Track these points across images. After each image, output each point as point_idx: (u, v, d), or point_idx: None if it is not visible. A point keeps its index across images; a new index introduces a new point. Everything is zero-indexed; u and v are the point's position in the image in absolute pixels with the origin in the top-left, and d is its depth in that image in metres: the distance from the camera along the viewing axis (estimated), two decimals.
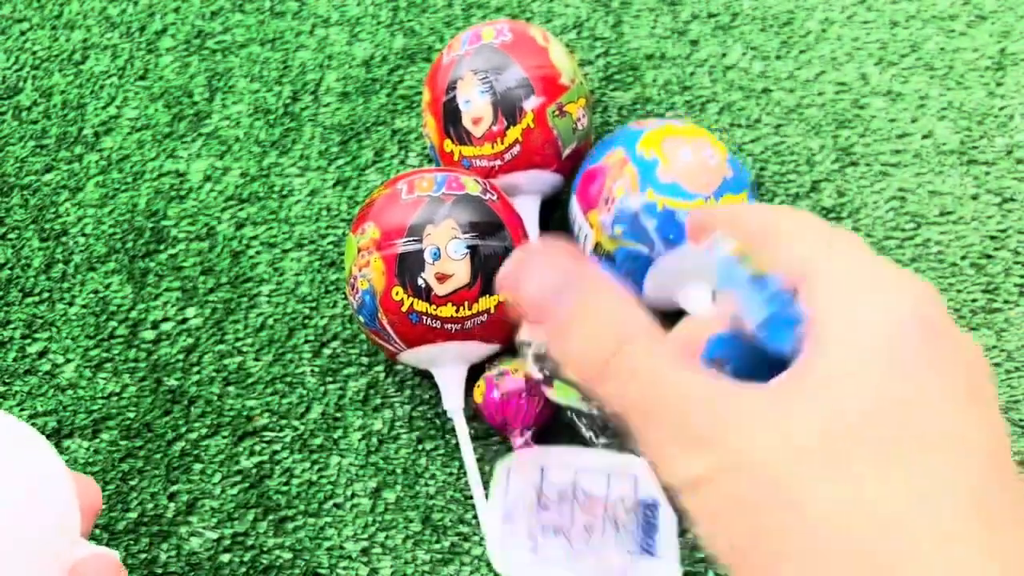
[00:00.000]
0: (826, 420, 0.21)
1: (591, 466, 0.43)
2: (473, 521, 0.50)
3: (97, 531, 0.50)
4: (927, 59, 0.63)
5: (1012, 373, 0.53)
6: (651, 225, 0.49)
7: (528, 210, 0.55)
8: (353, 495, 0.51)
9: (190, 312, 0.57)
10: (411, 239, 0.47)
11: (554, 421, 0.52)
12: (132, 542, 0.50)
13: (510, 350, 0.52)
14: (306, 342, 0.55)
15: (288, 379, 0.54)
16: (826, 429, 0.21)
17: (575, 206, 0.53)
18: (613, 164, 0.50)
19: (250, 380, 0.54)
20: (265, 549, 0.50)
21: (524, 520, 0.43)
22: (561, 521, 0.42)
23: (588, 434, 0.49)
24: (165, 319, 0.57)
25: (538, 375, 0.49)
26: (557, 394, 0.49)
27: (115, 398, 0.54)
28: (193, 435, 0.53)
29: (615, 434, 0.49)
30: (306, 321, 0.56)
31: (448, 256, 0.47)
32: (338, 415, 0.53)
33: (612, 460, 0.41)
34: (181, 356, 0.55)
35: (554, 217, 0.58)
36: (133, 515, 0.51)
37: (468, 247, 0.47)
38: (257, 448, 0.52)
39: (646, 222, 0.48)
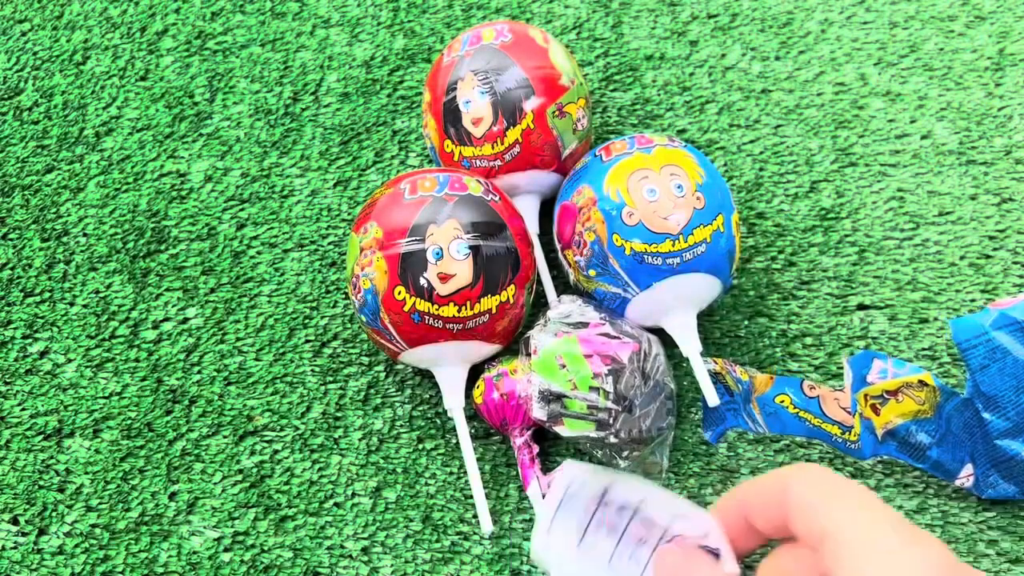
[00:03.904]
0: None
1: (660, 501, 0.41)
2: (473, 520, 0.50)
3: (97, 531, 0.50)
4: (926, 59, 0.64)
5: None
6: (622, 270, 0.49)
7: (528, 210, 0.55)
8: (353, 494, 0.51)
9: (191, 312, 0.57)
10: (414, 239, 0.47)
11: None
12: (133, 541, 0.50)
13: (511, 350, 0.52)
14: (306, 342, 0.56)
15: (289, 379, 0.54)
16: None
17: (555, 237, 0.53)
18: (583, 204, 0.50)
19: (251, 380, 0.54)
20: (266, 548, 0.50)
21: (579, 510, 0.41)
22: (617, 522, 0.41)
23: (605, 459, 0.50)
24: (166, 319, 0.57)
25: (543, 416, 0.49)
26: (570, 428, 0.49)
27: (116, 398, 0.54)
28: (194, 435, 0.53)
29: (634, 454, 0.49)
30: (307, 321, 0.56)
31: (450, 256, 0.47)
32: (338, 415, 0.53)
33: (684, 507, 0.40)
34: (182, 356, 0.55)
35: (553, 218, 0.58)
36: (134, 514, 0.51)
37: (470, 247, 0.48)
38: (258, 448, 0.52)
39: (617, 267, 0.49)
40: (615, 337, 0.49)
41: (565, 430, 0.48)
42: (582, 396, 0.48)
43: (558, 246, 0.53)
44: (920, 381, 0.47)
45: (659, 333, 0.52)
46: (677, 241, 0.48)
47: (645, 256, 0.48)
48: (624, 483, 0.41)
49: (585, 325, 0.49)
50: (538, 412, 0.48)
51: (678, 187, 0.49)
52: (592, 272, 0.50)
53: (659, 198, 0.49)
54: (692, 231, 0.48)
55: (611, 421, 0.48)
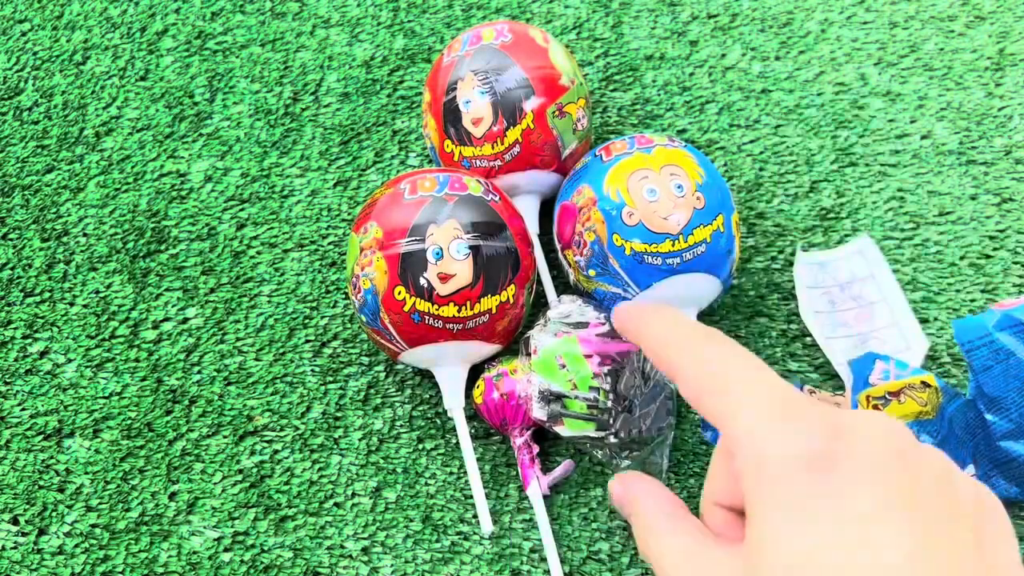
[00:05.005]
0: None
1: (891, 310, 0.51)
2: (473, 520, 0.50)
3: (97, 531, 0.50)
4: (926, 59, 0.64)
5: None
6: (622, 270, 0.49)
7: (528, 210, 0.55)
8: (353, 494, 0.51)
9: (191, 312, 0.57)
10: (414, 239, 0.47)
11: None
12: (133, 541, 0.50)
13: (511, 350, 0.52)
14: (306, 342, 0.55)
15: (288, 379, 0.54)
16: None
17: (555, 237, 0.53)
18: (583, 204, 0.50)
19: (251, 380, 0.54)
20: (265, 548, 0.50)
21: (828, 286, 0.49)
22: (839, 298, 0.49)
23: (605, 459, 0.50)
24: (166, 319, 0.57)
25: (543, 416, 0.49)
26: (569, 428, 0.49)
27: (116, 398, 0.54)
28: (194, 435, 0.53)
29: (634, 453, 0.49)
30: (307, 321, 0.56)
31: (450, 256, 0.47)
32: (338, 415, 0.53)
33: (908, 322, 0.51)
34: (182, 356, 0.55)
35: (553, 218, 0.58)
36: (134, 514, 0.51)
37: (470, 247, 0.48)
38: (258, 448, 0.52)
39: (617, 267, 0.49)
40: (615, 337, 0.49)
41: (565, 430, 0.48)
42: (582, 396, 0.48)
43: (558, 246, 0.53)
44: (923, 382, 0.47)
45: None
46: (677, 241, 0.48)
47: (645, 256, 0.48)
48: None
49: (585, 325, 0.50)
50: (538, 412, 0.48)
51: (678, 187, 0.49)
52: (592, 272, 0.50)
53: (659, 198, 0.49)
54: (692, 231, 0.48)
55: (611, 421, 0.48)
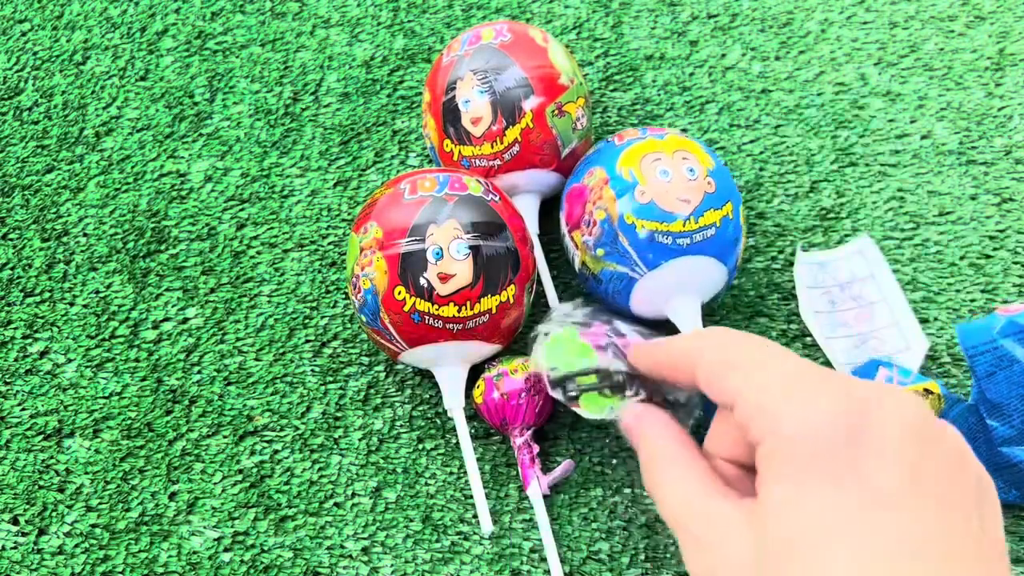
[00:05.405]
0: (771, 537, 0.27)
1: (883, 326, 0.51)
2: (473, 520, 0.50)
3: (97, 531, 0.50)
4: (926, 59, 0.64)
5: None
6: (631, 248, 0.49)
7: (528, 210, 0.55)
8: (353, 494, 0.51)
9: (191, 312, 0.57)
10: (414, 239, 0.47)
11: (554, 421, 0.52)
12: (133, 541, 0.50)
13: (510, 350, 0.52)
14: (306, 342, 0.55)
15: (288, 379, 0.54)
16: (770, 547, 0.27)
17: (562, 223, 0.53)
18: (594, 185, 0.50)
19: (251, 380, 0.54)
20: (265, 548, 0.50)
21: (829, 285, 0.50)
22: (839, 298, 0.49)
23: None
24: (166, 319, 0.57)
25: (562, 397, 0.49)
26: (587, 409, 0.49)
27: (116, 398, 0.54)
28: (194, 435, 0.53)
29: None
30: (307, 321, 0.56)
31: (450, 256, 0.47)
32: (338, 415, 0.53)
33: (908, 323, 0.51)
34: (182, 356, 0.55)
35: (553, 217, 0.58)
36: (134, 514, 0.51)
37: (470, 247, 0.48)
38: (258, 448, 0.52)
39: (626, 245, 0.49)
40: (620, 336, 0.49)
41: (585, 412, 0.48)
42: (591, 368, 0.47)
43: (564, 229, 0.53)
44: (925, 389, 0.47)
45: (662, 331, 0.51)
46: (688, 222, 0.48)
47: (656, 235, 0.48)
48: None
49: (589, 326, 0.49)
50: (553, 394, 0.48)
51: (690, 170, 0.49)
52: (600, 251, 0.50)
53: (672, 179, 0.48)
54: (703, 213, 0.48)
55: (625, 384, 0.48)
